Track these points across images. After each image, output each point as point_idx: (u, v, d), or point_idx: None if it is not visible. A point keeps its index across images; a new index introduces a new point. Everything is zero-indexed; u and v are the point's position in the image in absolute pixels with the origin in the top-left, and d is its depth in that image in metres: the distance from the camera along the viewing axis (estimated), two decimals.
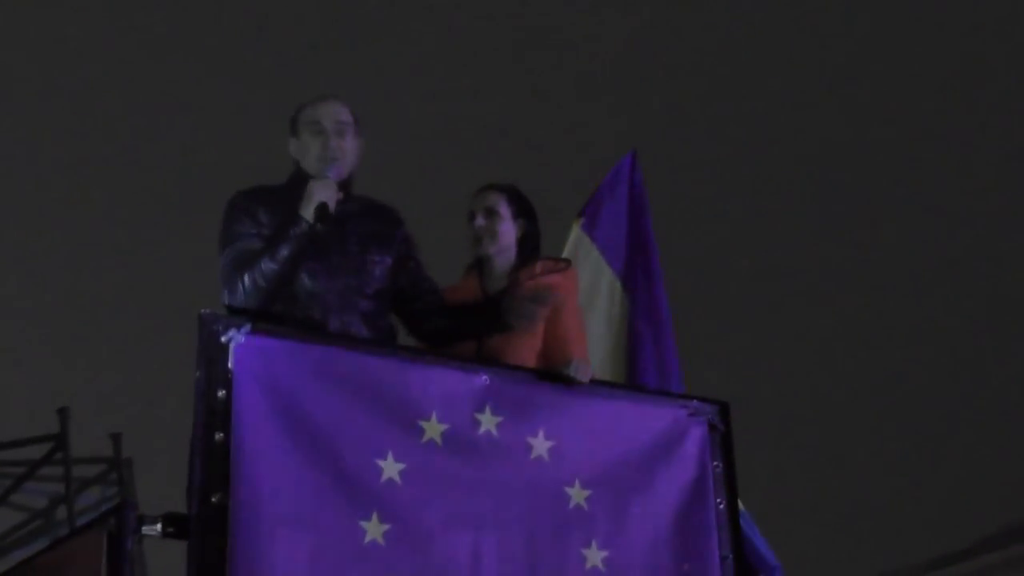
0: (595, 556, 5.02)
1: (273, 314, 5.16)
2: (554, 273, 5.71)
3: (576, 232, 7.28)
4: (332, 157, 5.39)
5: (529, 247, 5.81)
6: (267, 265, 5.19)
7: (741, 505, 5.56)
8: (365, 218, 5.45)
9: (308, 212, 5.22)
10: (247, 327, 4.74)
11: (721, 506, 5.29)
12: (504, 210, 5.78)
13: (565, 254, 7.17)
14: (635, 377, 6.92)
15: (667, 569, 5.15)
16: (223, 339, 4.70)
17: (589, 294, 7.11)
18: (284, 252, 5.20)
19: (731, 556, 5.25)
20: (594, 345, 6.95)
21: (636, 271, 7.15)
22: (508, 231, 5.77)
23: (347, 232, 5.37)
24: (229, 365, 4.69)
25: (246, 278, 5.20)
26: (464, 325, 5.50)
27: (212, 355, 4.70)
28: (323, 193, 5.24)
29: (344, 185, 5.38)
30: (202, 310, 4.94)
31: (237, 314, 4.99)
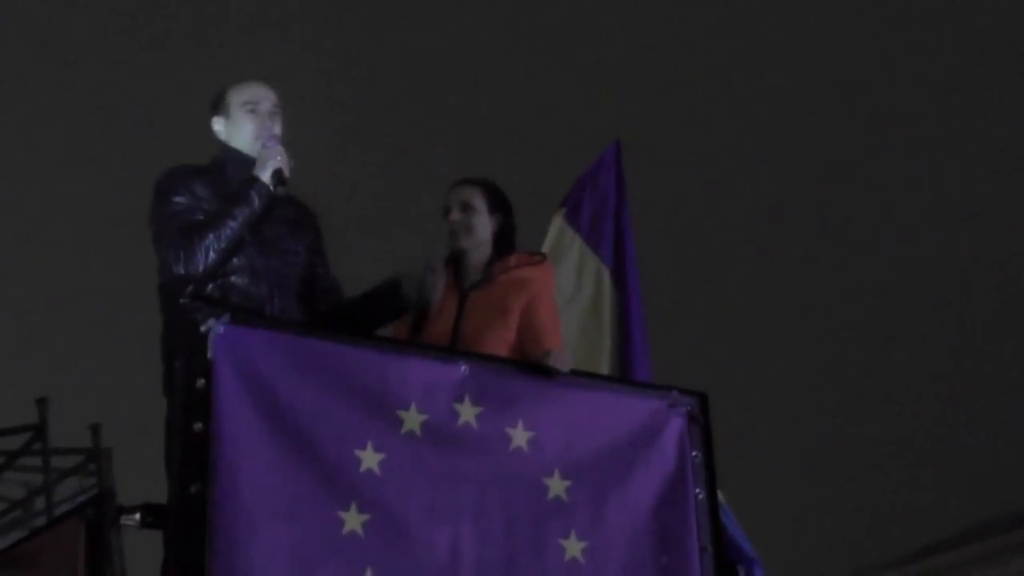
0: (574, 547, 5.02)
1: (214, 288, 5.25)
2: (529, 266, 5.70)
3: (558, 223, 7.28)
4: (272, 135, 5.48)
5: (505, 241, 5.80)
6: (229, 225, 5.27)
7: (720, 496, 5.57)
8: (292, 205, 5.59)
9: (266, 175, 5.35)
10: (227, 317, 4.73)
11: (700, 497, 5.29)
12: (479, 204, 5.76)
13: (547, 244, 7.17)
14: (629, 367, 6.92)
15: (646, 560, 5.15)
16: (202, 329, 4.69)
17: (575, 284, 7.12)
18: (245, 213, 5.30)
19: (710, 547, 5.26)
20: (580, 335, 6.95)
21: (623, 261, 7.18)
22: (484, 225, 5.75)
23: (280, 217, 5.49)
24: (208, 355, 4.68)
25: (205, 241, 5.25)
26: (365, 315, 5.58)
27: (192, 345, 4.70)
28: (278, 158, 5.38)
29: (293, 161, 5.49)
30: (181, 299, 4.93)
31: (214, 304, 4.99)
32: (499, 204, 5.80)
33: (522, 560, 4.93)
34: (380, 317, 5.59)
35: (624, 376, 6.78)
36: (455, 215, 5.73)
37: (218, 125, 5.59)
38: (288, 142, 5.57)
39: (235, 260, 5.34)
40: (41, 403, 12.36)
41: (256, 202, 5.33)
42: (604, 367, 6.87)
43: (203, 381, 4.65)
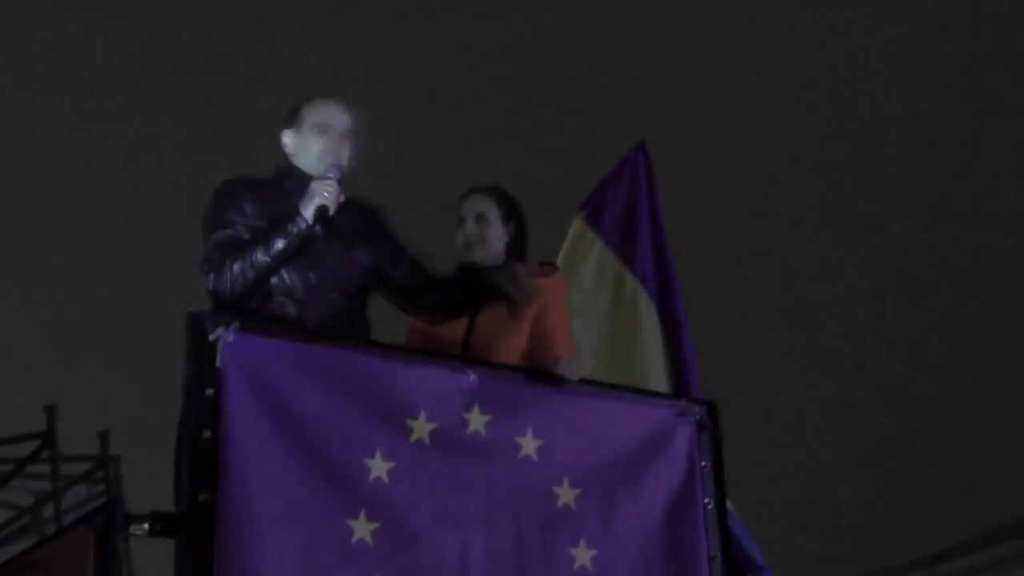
0: (583, 555, 5.02)
1: (250, 308, 5.15)
2: (540, 276, 5.70)
3: (578, 225, 7.15)
4: (338, 162, 5.35)
5: (517, 250, 5.81)
6: (260, 257, 5.18)
7: (729, 505, 5.56)
8: (348, 216, 5.41)
9: (308, 211, 5.20)
10: (236, 325, 4.73)
11: (709, 506, 5.28)
12: (494, 215, 5.76)
13: (565, 248, 7.07)
14: (684, 383, 6.74)
15: (655, 568, 5.14)
16: (211, 337, 4.69)
17: (594, 286, 6.99)
18: (279, 247, 5.18)
19: (719, 555, 5.25)
20: (600, 339, 6.84)
21: (654, 265, 7.00)
22: (498, 236, 5.76)
23: (330, 230, 5.34)
24: (217, 364, 4.68)
25: (236, 266, 5.18)
26: (456, 298, 5.50)
27: (200, 353, 4.69)
28: (325, 194, 5.22)
29: (344, 198, 5.33)
30: (190, 308, 4.93)
31: (225, 312, 4.98)
32: (512, 214, 5.80)
33: (531, 569, 4.93)
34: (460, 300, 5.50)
35: (680, 389, 6.64)
36: (470, 227, 5.73)
37: (287, 138, 5.46)
38: (355, 167, 5.45)
39: (277, 280, 5.24)
40: (50, 410, 12.38)
41: (293, 238, 5.18)
42: (632, 373, 6.70)
43: (212, 390, 4.65)
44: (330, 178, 5.26)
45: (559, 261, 6.98)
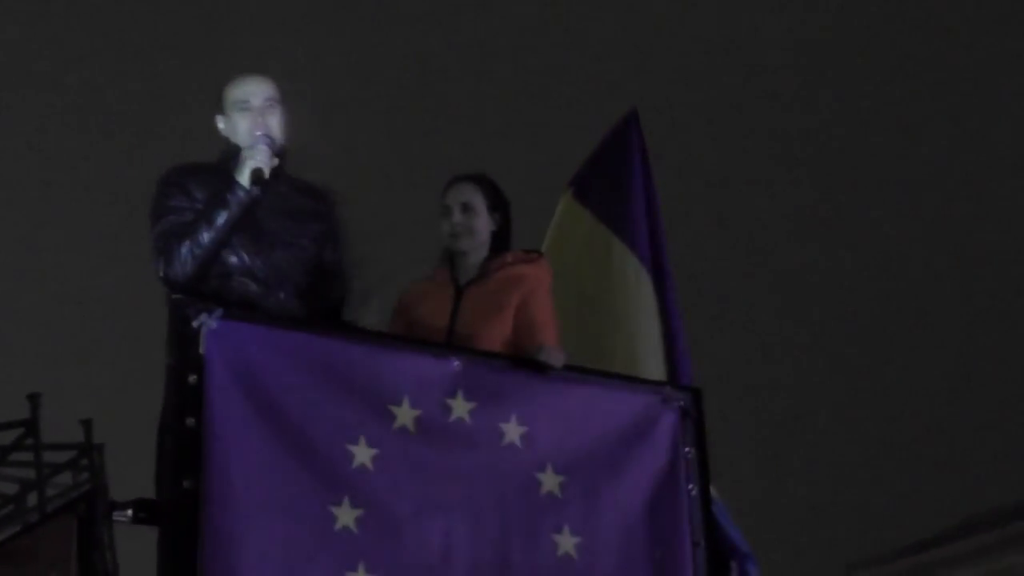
0: (567, 542, 5.02)
1: (210, 290, 5.22)
2: (524, 263, 5.70)
3: (566, 201, 6.99)
4: (266, 131, 5.47)
5: (501, 238, 5.80)
6: (205, 234, 5.28)
7: (713, 492, 5.56)
8: (299, 194, 5.57)
9: (243, 177, 5.34)
10: (218, 312, 4.73)
11: (693, 492, 5.29)
12: (479, 204, 5.75)
13: (553, 225, 6.97)
14: (674, 363, 6.55)
15: (639, 555, 5.15)
16: (194, 324, 4.69)
17: (585, 265, 6.79)
18: (222, 219, 5.30)
19: (703, 542, 5.25)
20: (589, 315, 6.65)
21: (648, 240, 6.74)
22: (484, 226, 5.74)
23: (282, 207, 5.48)
24: (200, 351, 4.68)
25: (183, 249, 5.27)
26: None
27: (183, 341, 4.69)
28: (257, 159, 5.37)
29: (278, 160, 5.47)
30: (173, 295, 4.92)
31: (206, 299, 4.98)
32: (497, 202, 5.79)
33: (515, 555, 4.93)
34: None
35: (672, 370, 6.52)
36: (456, 216, 5.71)
37: (221, 123, 5.61)
38: (291, 131, 5.58)
39: (232, 261, 5.34)
40: (33, 398, 12.34)
41: (234, 207, 5.31)
42: (627, 352, 6.54)
43: (195, 376, 4.65)
44: (261, 146, 5.40)
45: (547, 240, 6.91)
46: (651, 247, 6.78)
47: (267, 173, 5.37)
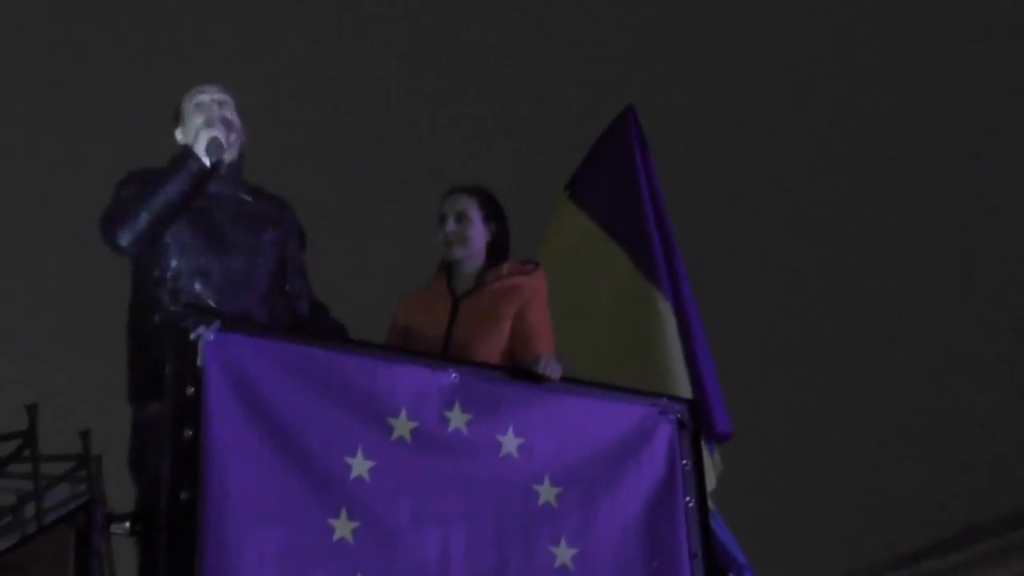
0: (564, 554, 5.02)
1: (166, 292, 5.31)
2: (521, 275, 5.71)
3: (564, 203, 6.96)
4: (220, 118, 5.53)
5: (498, 249, 5.81)
6: (158, 198, 5.32)
7: (710, 503, 5.56)
8: (257, 199, 5.62)
9: (200, 147, 5.40)
10: (216, 324, 4.73)
11: (690, 504, 5.29)
12: (475, 214, 5.76)
13: (551, 229, 6.94)
14: (697, 376, 6.45)
15: (636, 567, 5.15)
16: (192, 336, 4.70)
17: (578, 268, 6.73)
18: (178, 180, 5.34)
19: (700, 554, 5.25)
20: (591, 324, 6.62)
21: (658, 240, 6.60)
22: (479, 236, 5.75)
23: (240, 212, 5.52)
24: (198, 362, 4.68)
25: (133, 209, 5.31)
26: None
27: (182, 352, 4.70)
28: (213, 128, 5.44)
29: (237, 154, 5.54)
30: (172, 307, 4.93)
31: (207, 313, 4.99)
32: (493, 213, 5.80)
33: (512, 567, 4.93)
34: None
35: (696, 383, 6.45)
36: (451, 226, 5.73)
37: (178, 134, 5.67)
38: (247, 127, 5.65)
39: (185, 263, 5.37)
40: (31, 410, 12.35)
41: (188, 174, 5.36)
42: (611, 356, 6.51)
43: (193, 388, 4.65)
44: (218, 124, 5.48)
45: (544, 243, 6.89)
46: (662, 246, 6.66)
47: (225, 145, 5.44)
